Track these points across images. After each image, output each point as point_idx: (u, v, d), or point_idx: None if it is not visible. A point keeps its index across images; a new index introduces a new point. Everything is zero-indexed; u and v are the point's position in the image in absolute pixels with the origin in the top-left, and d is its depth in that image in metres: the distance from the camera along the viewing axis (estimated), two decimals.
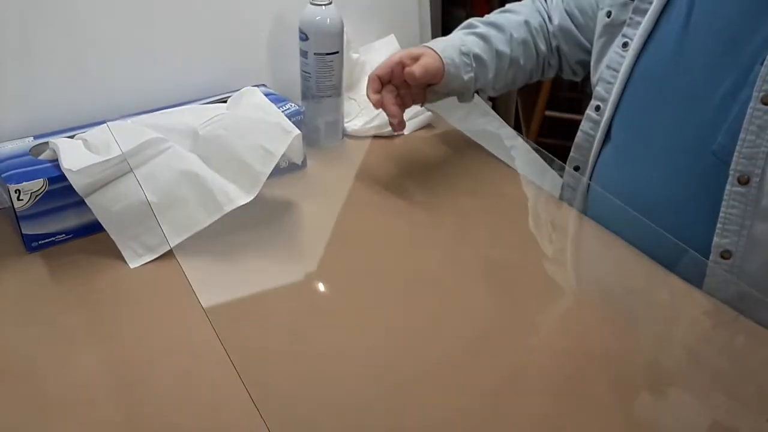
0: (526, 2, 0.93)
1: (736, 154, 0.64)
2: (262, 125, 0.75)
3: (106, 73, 0.85)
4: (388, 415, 0.53)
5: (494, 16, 0.89)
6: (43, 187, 0.67)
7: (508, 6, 0.92)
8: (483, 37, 0.85)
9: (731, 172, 0.64)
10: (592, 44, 0.83)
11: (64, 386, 0.54)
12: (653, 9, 0.74)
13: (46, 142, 0.73)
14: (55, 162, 0.69)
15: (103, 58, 0.85)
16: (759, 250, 0.65)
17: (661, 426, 0.52)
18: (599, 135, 0.80)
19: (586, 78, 0.89)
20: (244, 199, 0.71)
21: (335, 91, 0.90)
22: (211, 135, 0.74)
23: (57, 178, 0.67)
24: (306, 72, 0.89)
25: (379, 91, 0.80)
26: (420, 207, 0.81)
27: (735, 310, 0.63)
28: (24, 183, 0.66)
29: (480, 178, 0.86)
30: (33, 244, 0.69)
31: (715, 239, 0.66)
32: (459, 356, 0.59)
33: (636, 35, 0.75)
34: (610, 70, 0.78)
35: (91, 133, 0.74)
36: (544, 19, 0.90)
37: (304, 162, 0.87)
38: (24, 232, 0.68)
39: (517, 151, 0.92)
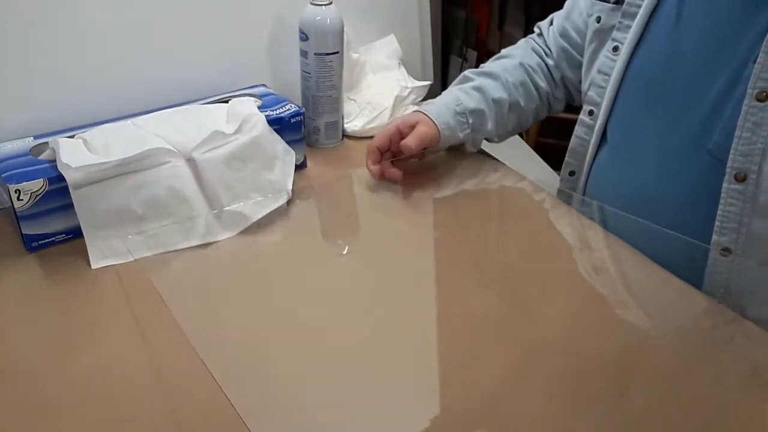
0: (519, 44, 0.94)
1: (732, 151, 0.64)
2: (259, 175, 0.76)
3: (106, 73, 0.85)
4: (389, 415, 0.53)
5: (488, 64, 0.90)
6: (43, 187, 0.67)
7: (502, 51, 0.93)
8: (478, 89, 0.86)
9: (728, 170, 0.65)
10: None
11: (64, 386, 0.54)
12: (642, 12, 0.74)
13: (46, 142, 0.73)
14: (55, 162, 0.69)
15: (103, 58, 0.85)
16: (758, 247, 0.65)
17: (661, 426, 0.52)
18: (594, 139, 0.80)
19: None
20: (223, 236, 0.72)
21: (335, 91, 0.91)
22: (208, 164, 0.73)
23: (57, 179, 0.67)
24: (306, 72, 0.89)
25: (378, 162, 0.81)
26: (419, 207, 0.81)
27: (734, 310, 0.63)
28: (24, 183, 0.66)
29: (480, 178, 0.86)
30: (33, 244, 0.69)
31: (714, 237, 0.66)
32: (459, 356, 0.59)
33: (626, 39, 0.75)
34: (602, 75, 0.78)
35: (91, 133, 0.74)
36: (541, 57, 0.91)
37: (304, 162, 0.87)
38: (24, 232, 0.68)
39: (518, 152, 0.92)
